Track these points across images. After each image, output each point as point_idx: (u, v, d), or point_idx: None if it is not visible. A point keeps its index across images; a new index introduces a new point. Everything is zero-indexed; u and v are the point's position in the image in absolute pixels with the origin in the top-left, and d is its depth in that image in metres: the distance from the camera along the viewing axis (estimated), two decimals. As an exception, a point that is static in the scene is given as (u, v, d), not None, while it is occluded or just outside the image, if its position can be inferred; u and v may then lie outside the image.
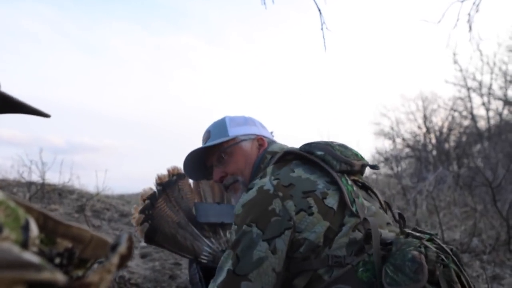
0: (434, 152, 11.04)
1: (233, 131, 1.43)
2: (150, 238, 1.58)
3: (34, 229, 0.37)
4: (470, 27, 3.25)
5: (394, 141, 11.95)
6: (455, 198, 5.79)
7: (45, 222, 0.41)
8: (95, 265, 0.39)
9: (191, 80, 18.41)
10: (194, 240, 1.63)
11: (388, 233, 1.15)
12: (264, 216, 1.14)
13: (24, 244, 0.35)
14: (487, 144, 9.80)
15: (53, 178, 5.05)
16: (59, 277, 0.28)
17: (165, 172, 1.73)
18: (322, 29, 2.47)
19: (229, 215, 1.70)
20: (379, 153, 11.03)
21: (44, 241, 0.41)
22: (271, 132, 1.56)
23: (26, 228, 0.36)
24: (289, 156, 1.30)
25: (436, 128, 11.49)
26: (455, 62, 11.41)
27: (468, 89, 11.30)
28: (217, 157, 1.42)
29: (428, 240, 1.06)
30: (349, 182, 1.24)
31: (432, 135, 11.45)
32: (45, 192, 4.54)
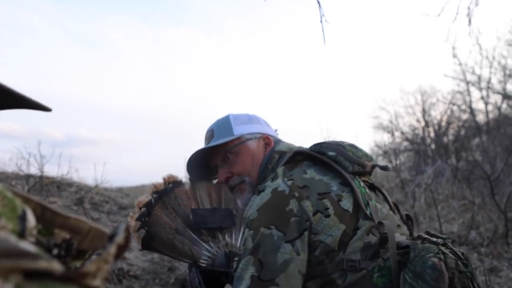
0: (433, 146, 11.05)
1: (238, 130, 1.37)
2: (147, 244, 1.55)
3: (31, 219, 0.37)
4: (469, 21, 3.24)
5: (393, 134, 11.95)
6: (453, 191, 5.81)
7: (42, 213, 0.41)
8: (93, 257, 0.39)
9: (191, 73, 18.40)
10: (192, 245, 1.62)
11: (400, 237, 1.13)
12: (283, 218, 1.08)
13: (21, 234, 0.35)
14: (486, 137, 9.82)
15: (52, 171, 5.06)
16: (56, 266, 0.28)
17: (160, 181, 1.72)
18: (321, 21, 2.45)
19: (227, 219, 1.69)
20: (378, 146, 11.05)
21: (41, 232, 0.41)
22: (276, 130, 1.51)
23: (23, 218, 0.36)
24: (299, 157, 1.25)
25: (435, 121, 11.49)
26: (454, 56, 11.38)
27: (467, 83, 11.29)
28: (222, 157, 1.36)
29: (442, 245, 1.03)
30: (361, 184, 1.20)
31: (431, 129, 11.45)
32: (44, 185, 4.54)
